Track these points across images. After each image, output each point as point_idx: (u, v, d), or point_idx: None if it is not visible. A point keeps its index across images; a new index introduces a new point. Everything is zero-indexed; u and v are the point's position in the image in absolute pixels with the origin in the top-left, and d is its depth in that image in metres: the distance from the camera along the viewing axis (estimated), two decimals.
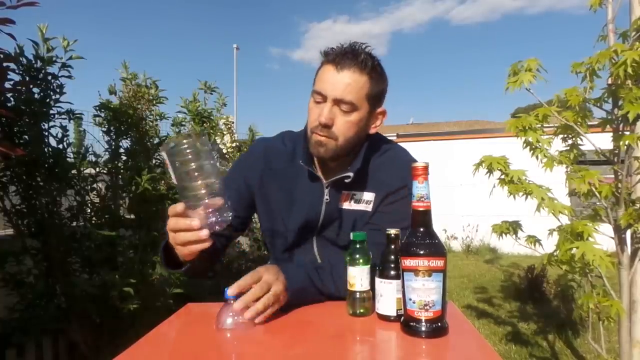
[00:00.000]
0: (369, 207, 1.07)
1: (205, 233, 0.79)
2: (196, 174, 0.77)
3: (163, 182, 2.52)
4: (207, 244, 0.81)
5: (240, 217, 1.12)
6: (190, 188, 0.78)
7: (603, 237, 1.79)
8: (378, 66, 1.00)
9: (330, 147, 0.99)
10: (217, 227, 0.81)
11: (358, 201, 1.07)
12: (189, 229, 0.79)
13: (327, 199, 1.07)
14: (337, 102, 0.96)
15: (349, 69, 0.96)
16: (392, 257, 0.83)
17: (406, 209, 0.83)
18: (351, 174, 1.02)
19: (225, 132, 3.83)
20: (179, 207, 0.79)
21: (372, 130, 1.07)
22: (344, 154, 1.03)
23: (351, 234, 0.91)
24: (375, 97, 1.01)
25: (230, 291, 0.82)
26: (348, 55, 0.97)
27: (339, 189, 1.07)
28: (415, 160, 1.00)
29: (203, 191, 0.78)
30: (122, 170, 2.49)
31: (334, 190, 1.07)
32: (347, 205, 1.07)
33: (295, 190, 1.09)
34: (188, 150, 0.76)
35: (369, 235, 0.92)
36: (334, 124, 0.97)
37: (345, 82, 0.95)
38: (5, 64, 1.78)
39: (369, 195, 1.07)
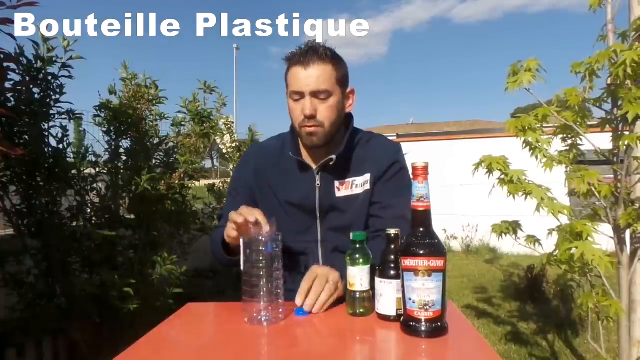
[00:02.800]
0: (367, 187, 1.18)
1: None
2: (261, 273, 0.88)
3: (163, 182, 2.52)
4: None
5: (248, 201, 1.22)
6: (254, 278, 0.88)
7: (602, 237, 1.80)
8: (336, 54, 1.14)
9: (320, 134, 1.12)
10: (260, 321, 0.86)
11: (358, 185, 1.19)
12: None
13: (318, 184, 1.18)
14: (314, 94, 1.09)
15: (314, 64, 1.09)
16: (392, 257, 0.83)
17: (404, 181, 1.11)
18: (334, 157, 1.14)
19: (225, 132, 3.83)
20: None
21: (349, 109, 1.21)
22: (333, 136, 1.15)
23: (351, 234, 0.91)
24: (343, 80, 1.15)
25: (299, 301, 0.92)
26: (309, 53, 1.10)
27: (331, 175, 1.18)
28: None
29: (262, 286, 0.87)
30: (122, 170, 2.49)
31: (326, 175, 1.18)
32: (349, 192, 1.18)
33: (288, 179, 1.20)
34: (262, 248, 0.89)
35: (383, 214, 1.14)
36: (317, 113, 1.10)
37: (315, 75, 1.08)
38: (5, 64, 1.78)
39: (366, 177, 1.18)
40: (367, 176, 1.17)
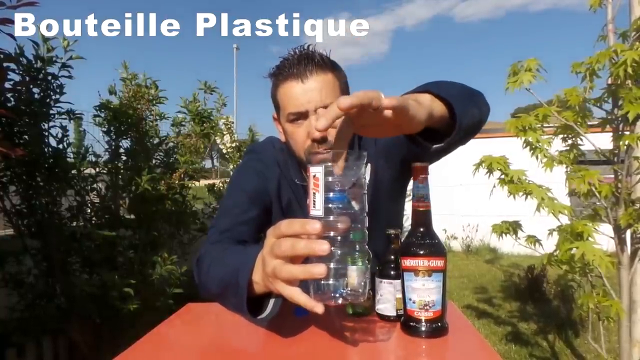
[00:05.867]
0: (368, 175, 1.00)
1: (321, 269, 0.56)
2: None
3: (163, 182, 2.51)
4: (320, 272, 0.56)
5: (261, 217, 1.01)
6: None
7: (603, 237, 1.80)
8: (331, 59, 0.95)
9: None
10: (330, 297, 0.59)
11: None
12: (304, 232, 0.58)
13: None
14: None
15: (312, 74, 0.90)
16: (392, 257, 0.83)
17: None
18: None
19: (225, 132, 3.83)
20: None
21: None
22: None
23: (351, 234, 0.90)
24: (346, 88, 0.97)
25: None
26: (304, 62, 0.90)
27: None
28: None
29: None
30: (122, 170, 2.49)
31: None
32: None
33: (299, 208, 1.02)
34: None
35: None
36: (328, 134, 0.90)
37: (317, 87, 0.89)
38: (5, 64, 1.78)
39: (368, 168, 1.00)
40: (369, 166, 1.00)
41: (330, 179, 0.58)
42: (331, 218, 0.58)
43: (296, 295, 0.60)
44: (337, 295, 0.60)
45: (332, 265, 0.58)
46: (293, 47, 0.94)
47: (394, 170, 1.03)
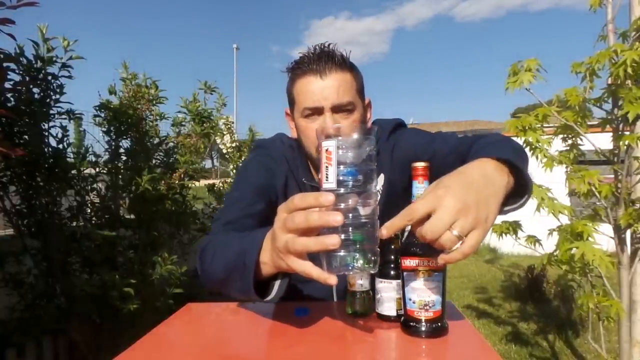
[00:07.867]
0: (380, 186, 1.00)
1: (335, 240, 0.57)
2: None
3: (163, 182, 2.51)
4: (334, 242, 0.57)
5: (267, 212, 0.98)
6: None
7: (603, 237, 1.80)
8: (350, 60, 0.97)
9: None
10: (342, 268, 0.61)
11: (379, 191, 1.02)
12: (318, 204, 0.58)
13: None
14: (336, 108, 0.92)
15: (331, 72, 0.91)
16: (392, 257, 0.83)
17: (423, 135, 0.98)
18: None
19: (225, 132, 3.83)
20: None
21: (369, 124, 1.03)
22: None
23: (351, 234, 0.90)
24: (362, 90, 0.99)
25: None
26: (324, 59, 0.92)
27: None
28: (397, 119, 1.07)
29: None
30: (122, 170, 2.49)
31: None
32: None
33: None
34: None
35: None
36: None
37: (335, 85, 0.91)
38: (5, 64, 1.78)
39: (380, 177, 1.01)
40: (382, 176, 1.01)
41: (341, 152, 0.60)
42: (342, 191, 0.60)
43: (309, 268, 0.61)
44: (349, 266, 0.61)
45: (343, 236, 0.59)
46: (316, 45, 0.95)
47: (406, 183, 1.03)
